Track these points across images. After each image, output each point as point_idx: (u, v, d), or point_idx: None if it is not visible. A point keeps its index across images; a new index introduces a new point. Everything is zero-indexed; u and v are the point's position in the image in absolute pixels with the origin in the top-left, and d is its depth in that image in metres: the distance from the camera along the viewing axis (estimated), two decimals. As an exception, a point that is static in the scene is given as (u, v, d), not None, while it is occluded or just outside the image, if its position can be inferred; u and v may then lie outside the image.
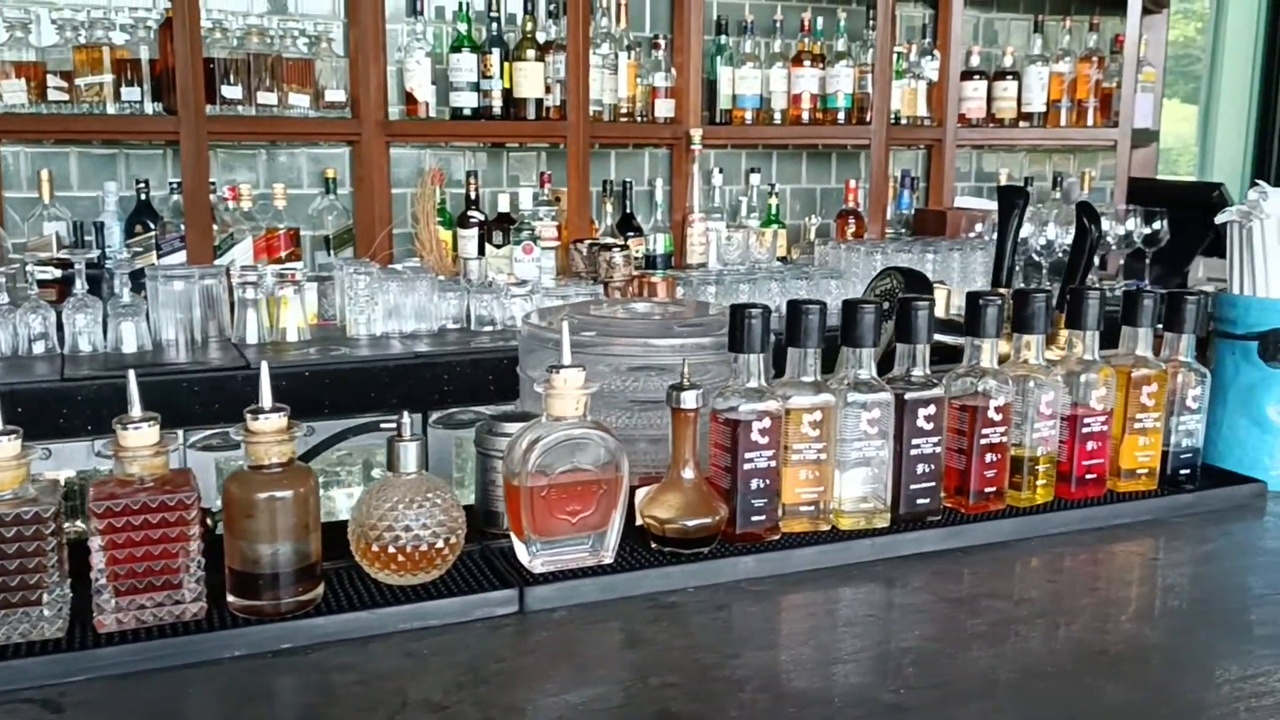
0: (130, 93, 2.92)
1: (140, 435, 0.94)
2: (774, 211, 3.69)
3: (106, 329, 2.64)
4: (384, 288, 2.90)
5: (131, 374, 0.97)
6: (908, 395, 1.20)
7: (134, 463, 0.94)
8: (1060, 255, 3.19)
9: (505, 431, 1.16)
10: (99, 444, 2.53)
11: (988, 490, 1.26)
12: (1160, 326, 1.35)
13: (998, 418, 1.24)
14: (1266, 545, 1.28)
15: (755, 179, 3.71)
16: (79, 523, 2.77)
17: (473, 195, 3.36)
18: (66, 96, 2.91)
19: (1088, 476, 1.31)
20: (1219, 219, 1.37)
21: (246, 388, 2.64)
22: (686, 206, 3.57)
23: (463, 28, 3.29)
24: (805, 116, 3.59)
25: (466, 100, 3.29)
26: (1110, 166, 3.89)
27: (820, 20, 3.67)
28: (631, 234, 3.50)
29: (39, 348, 2.59)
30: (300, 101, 3.14)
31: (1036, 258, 3.26)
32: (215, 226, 3.02)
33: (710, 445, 1.18)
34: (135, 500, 0.93)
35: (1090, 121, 3.82)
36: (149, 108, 2.94)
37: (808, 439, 1.17)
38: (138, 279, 2.74)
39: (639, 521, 1.15)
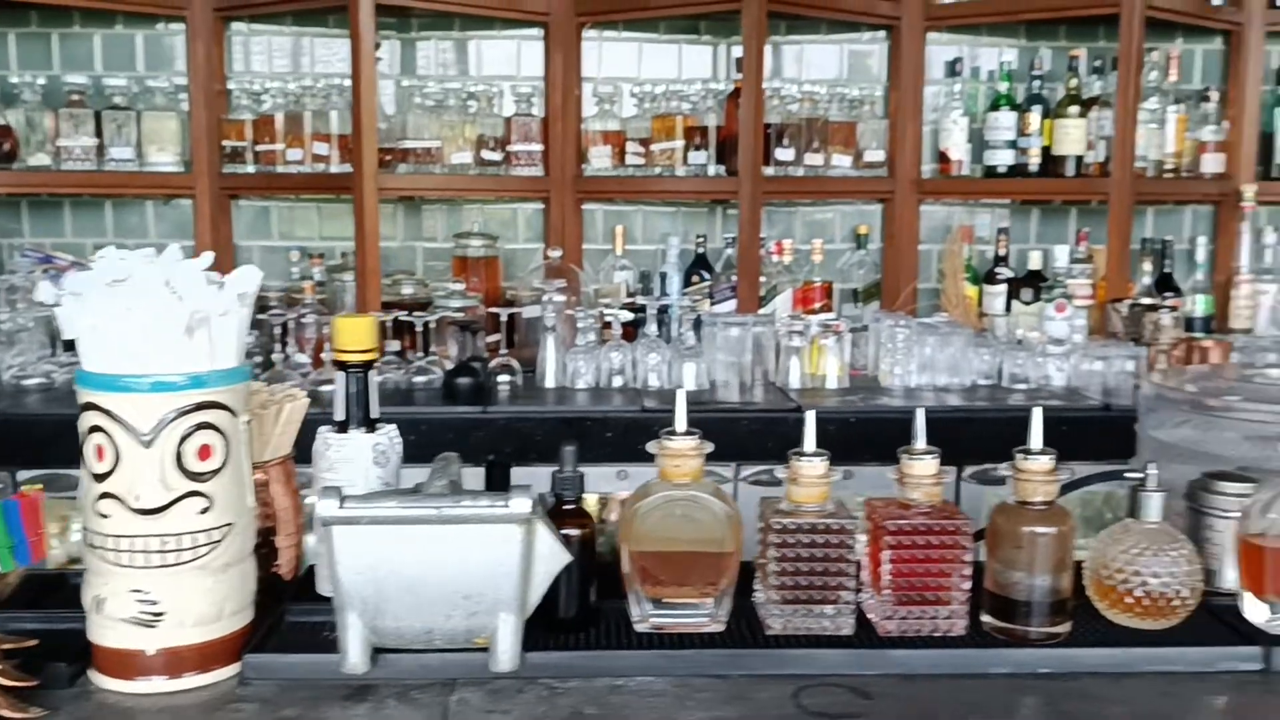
0: (697, 156, 3.23)
1: (924, 465, 1.05)
2: (1335, 274, 3.38)
3: (669, 368, 2.93)
4: (921, 341, 2.98)
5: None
6: None
7: (916, 489, 1.05)
8: None
9: (1227, 491, 1.16)
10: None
11: None
12: None
13: None
14: None
15: (1314, 239, 3.42)
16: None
17: (1001, 252, 3.37)
18: (642, 160, 3.27)
19: None
20: None
21: (794, 429, 2.82)
22: (1232, 267, 3.36)
23: (1003, 87, 3.32)
24: (1384, 170, 3.27)
25: (1002, 158, 3.31)
26: None
27: (1406, 64, 3.34)
28: (1170, 294, 3.34)
29: (617, 381, 2.92)
30: (842, 162, 3.31)
31: None
32: (761, 278, 3.26)
33: None
34: (917, 522, 1.04)
35: None
36: (711, 170, 3.23)
37: None
38: (696, 324, 3.02)
39: (1378, 593, 1.11)
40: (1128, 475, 1.10)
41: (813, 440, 1.11)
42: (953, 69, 3.41)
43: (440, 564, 0.97)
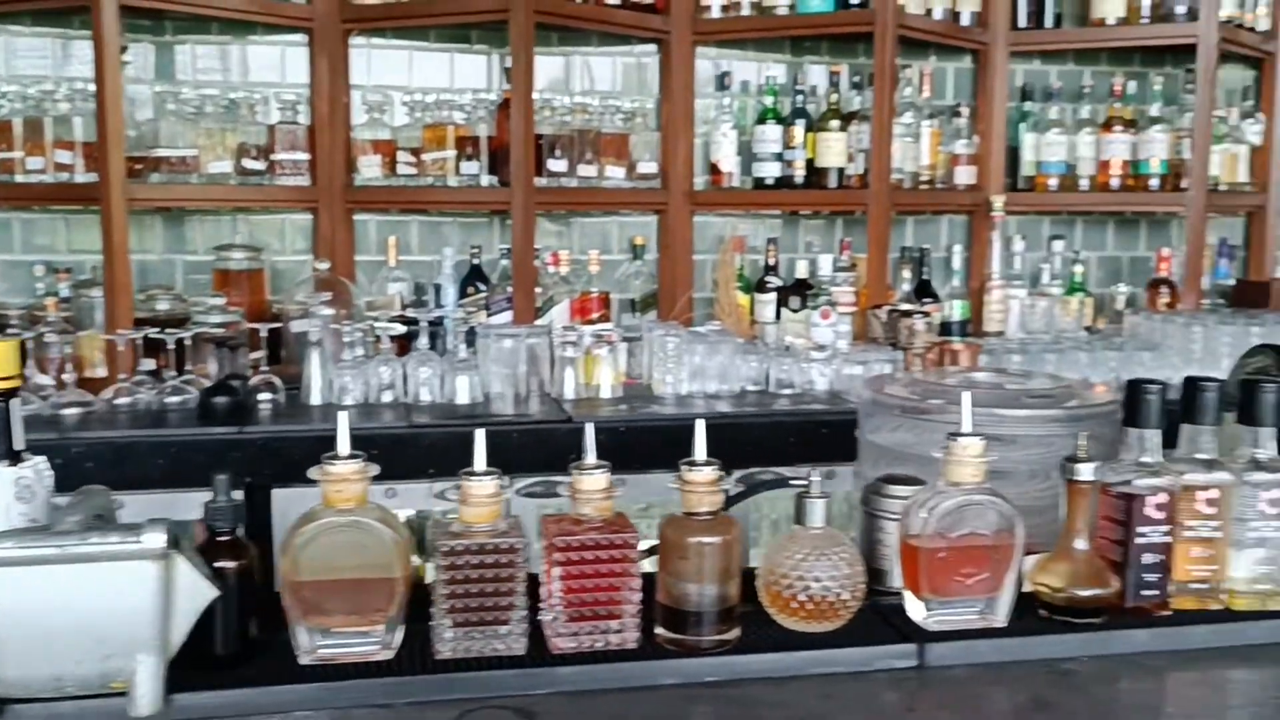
0: (469, 166, 3.20)
1: (594, 480, 1.05)
2: (1077, 279, 3.61)
3: (443, 381, 2.88)
4: (691, 349, 3.03)
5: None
6: (1310, 475, 1.18)
7: (587, 504, 1.06)
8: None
9: (894, 494, 1.21)
10: (438, 486, 2.78)
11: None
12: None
13: None
14: None
15: (1058, 246, 3.65)
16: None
17: (771, 261, 3.47)
18: (414, 170, 3.22)
19: None
20: None
21: (569, 440, 2.82)
22: (985, 273, 3.55)
23: (769, 100, 3.42)
24: (1115, 183, 3.50)
25: (769, 170, 3.41)
26: None
27: (1133, 85, 3.59)
28: (928, 300, 3.50)
29: (386, 396, 2.86)
30: (616, 173, 3.34)
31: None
32: (538, 289, 3.25)
33: (1099, 518, 1.19)
34: (586, 538, 1.04)
35: None
36: (484, 180, 3.20)
37: (1202, 516, 1.17)
38: (470, 336, 2.99)
39: (1027, 587, 1.18)
40: (793, 482, 1.14)
41: (483, 459, 1.10)
42: (721, 83, 3.49)
43: (67, 606, 0.91)
